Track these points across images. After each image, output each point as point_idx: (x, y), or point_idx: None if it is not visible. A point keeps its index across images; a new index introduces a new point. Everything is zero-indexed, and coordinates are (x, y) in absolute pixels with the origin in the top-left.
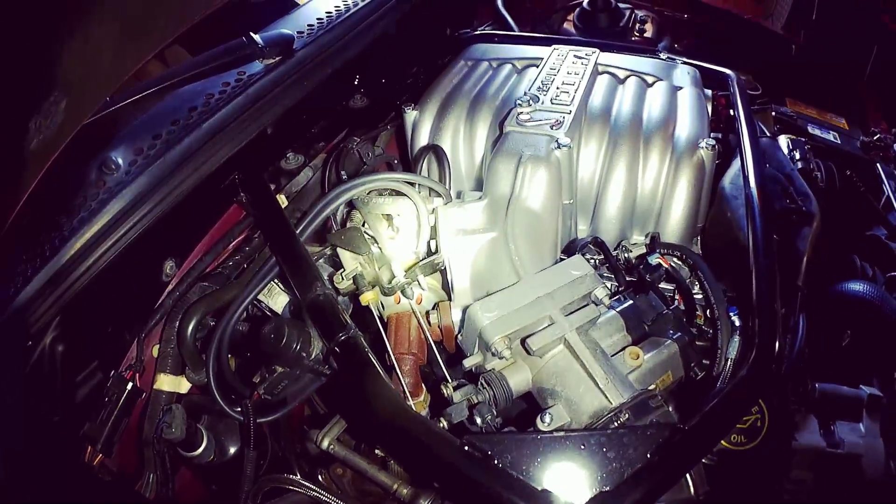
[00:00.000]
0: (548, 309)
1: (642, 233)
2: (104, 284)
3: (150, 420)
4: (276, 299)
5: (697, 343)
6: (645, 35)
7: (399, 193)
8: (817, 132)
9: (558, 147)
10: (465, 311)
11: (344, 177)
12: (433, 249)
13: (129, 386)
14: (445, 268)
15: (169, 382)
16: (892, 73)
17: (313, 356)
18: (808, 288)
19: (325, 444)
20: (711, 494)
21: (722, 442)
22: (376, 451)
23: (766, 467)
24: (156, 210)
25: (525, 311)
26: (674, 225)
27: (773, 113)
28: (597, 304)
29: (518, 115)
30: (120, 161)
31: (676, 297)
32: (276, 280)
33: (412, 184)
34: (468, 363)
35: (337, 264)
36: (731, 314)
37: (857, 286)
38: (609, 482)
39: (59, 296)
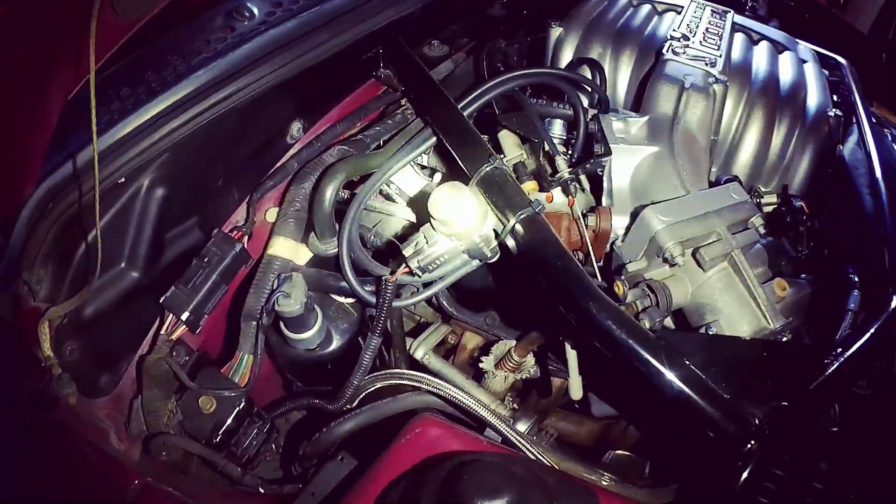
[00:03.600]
0: (716, 225)
1: (766, 187)
2: (220, 132)
3: (257, 290)
4: (410, 180)
5: None
6: (758, 12)
7: (555, 92)
8: None
9: (717, 81)
10: (636, 214)
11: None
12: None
13: (237, 248)
14: (604, 174)
15: (287, 249)
16: None
17: (484, 232)
18: None
19: (420, 354)
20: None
21: None
22: (480, 365)
23: (883, 414)
24: (290, 66)
25: (696, 222)
26: (797, 184)
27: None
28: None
29: (673, 47)
30: (255, 10)
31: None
32: (412, 163)
33: (575, 85)
34: (633, 268)
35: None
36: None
37: None
38: (783, 396)
39: (168, 134)
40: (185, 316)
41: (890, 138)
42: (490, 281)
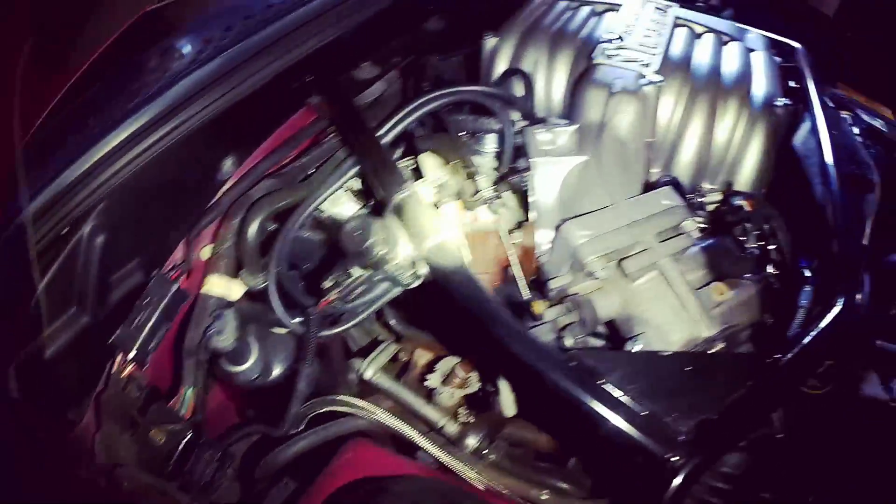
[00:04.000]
0: (642, 234)
1: (712, 184)
2: (155, 174)
3: (195, 326)
4: (343, 207)
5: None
6: (711, 2)
7: (482, 109)
8: (865, 118)
9: (649, 83)
10: (557, 229)
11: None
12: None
13: (174, 288)
14: (528, 189)
15: (220, 285)
16: None
17: (398, 261)
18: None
19: (370, 373)
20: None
21: None
22: (424, 383)
23: (834, 415)
24: (219, 102)
25: (619, 233)
26: (745, 178)
27: (828, 93)
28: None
29: (605, 50)
30: (186, 49)
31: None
32: (343, 188)
33: (499, 100)
34: (555, 284)
35: (415, 176)
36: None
37: None
38: (710, 410)
39: (105, 181)
40: (132, 355)
41: (850, 121)
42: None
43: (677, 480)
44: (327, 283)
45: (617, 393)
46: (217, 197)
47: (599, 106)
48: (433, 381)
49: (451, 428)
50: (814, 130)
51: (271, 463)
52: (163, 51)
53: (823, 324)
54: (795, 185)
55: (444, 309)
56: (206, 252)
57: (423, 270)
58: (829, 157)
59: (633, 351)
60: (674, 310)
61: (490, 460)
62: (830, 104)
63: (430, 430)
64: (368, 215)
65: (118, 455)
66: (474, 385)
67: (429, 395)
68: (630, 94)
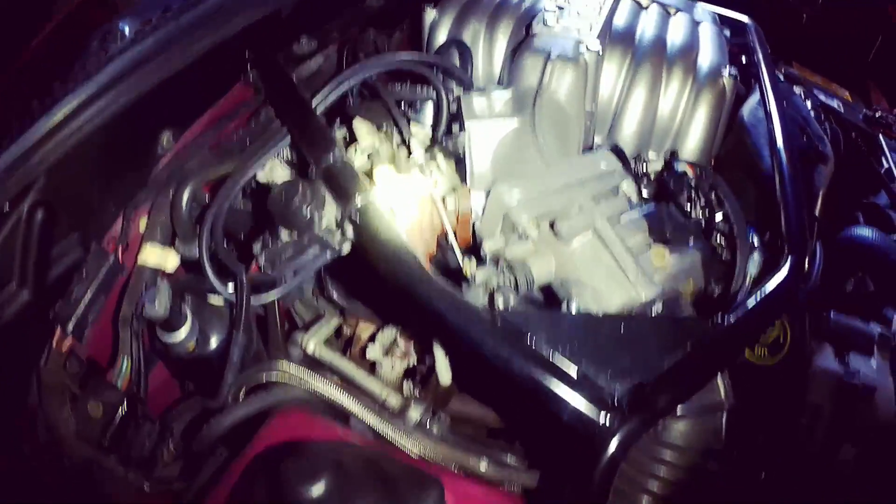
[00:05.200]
0: (577, 196)
1: (658, 154)
2: (93, 149)
3: (130, 298)
4: (276, 174)
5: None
6: None
7: (421, 78)
8: (822, 98)
9: (587, 50)
10: (488, 193)
11: None
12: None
13: (111, 260)
14: (464, 154)
15: (155, 255)
16: (894, 63)
17: (325, 224)
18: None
19: (311, 347)
20: (736, 408)
21: (746, 354)
22: (366, 357)
23: (785, 387)
24: (156, 75)
25: (554, 195)
26: (691, 148)
27: (782, 70)
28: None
29: (545, 18)
30: (125, 30)
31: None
32: (278, 156)
33: (433, 68)
34: (489, 247)
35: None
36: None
37: (867, 232)
38: (647, 373)
39: (44, 157)
40: (69, 328)
41: (802, 96)
42: None
43: (613, 444)
44: (256, 247)
45: (548, 354)
46: (155, 173)
47: (536, 72)
48: (373, 352)
49: (394, 401)
50: (763, 102)
51: (207, 435)
52: (104, 33)
53: (769, 287)
54: (743, 157)
55: (372, 273)
56: (142, 224)
57: (350, 232)
58: (778, 128)
59: (565, 312)
60: (610, 272)
61: (432, 435)
62: (781, 80)
63: (374, 403)
64: (297, 179)
65: (59, 430)
66: (415, 355)
67: (372, 368)
68: (567, 60)
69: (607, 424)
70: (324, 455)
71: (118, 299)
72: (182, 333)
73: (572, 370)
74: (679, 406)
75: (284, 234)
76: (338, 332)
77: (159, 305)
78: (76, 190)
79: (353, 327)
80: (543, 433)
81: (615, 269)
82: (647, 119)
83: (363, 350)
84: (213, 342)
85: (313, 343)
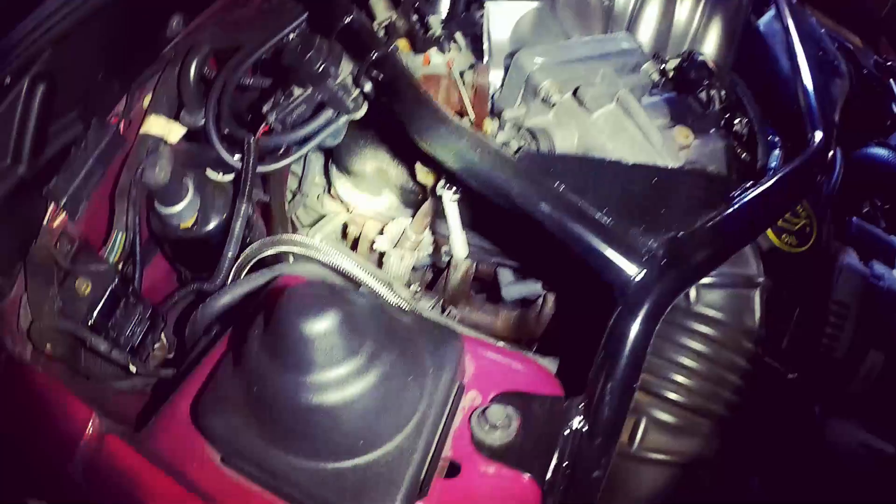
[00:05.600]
0: (600, 67)
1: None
2: (101, 26)
3: (129, 168)
4: None
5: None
6: None
7: None
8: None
9: None
10: (507, 68)
11: None
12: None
13: (112, 131)
14: (483, 31)
15: (159, 125)
16: None
17: (340, 78)
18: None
19: (316, 241)
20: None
21: (774, 240)
22: (373, 247)
23: (813, 277)
24: None
25: (577, 64)
26: (707, 53)
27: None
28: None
29: None
30: None
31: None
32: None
33: None
34: (509, 115)
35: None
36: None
37: (884, 151)
38: (683, 228)
39: (50, 28)
40: (63, 202)
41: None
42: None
43: (649, 300)
44: (266, 106)
45: (575, 200)
46: (163, 52)
47: None
48: (382, 243)
49: (403, 293)
50: (779, 16)
51: (202, 316)
52: None
53: (799, 161)
54: (759, 62)
55: (390, 117)
56: (147, 101)
57: (368, 87)
58: (795, 37)
59: (595, 158)
60: (634, 141)
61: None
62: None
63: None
64: (314, 34)
65: (42, 312)
66: (427, 248)
67: (379, 262)
68: None
69: (643, 279)
70: (332, 292)
71: (116, 177)
72: (182, 204)
73: (604, 219)
74: (712, 276)
75: (296, 90)
76: (344, 233)
77: (160, 170)
78: (81, 65)
79: (359, 227)
80: (572, 290)
81: (640, 138)
82: (663, 25)
83: (370, 247)
84: (214, 221)
85: (319, 237)
